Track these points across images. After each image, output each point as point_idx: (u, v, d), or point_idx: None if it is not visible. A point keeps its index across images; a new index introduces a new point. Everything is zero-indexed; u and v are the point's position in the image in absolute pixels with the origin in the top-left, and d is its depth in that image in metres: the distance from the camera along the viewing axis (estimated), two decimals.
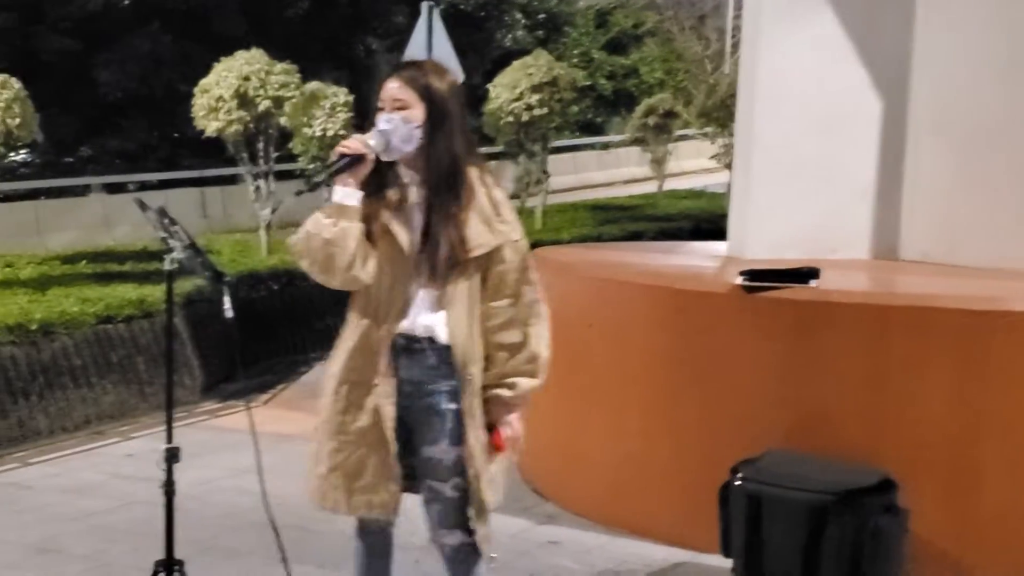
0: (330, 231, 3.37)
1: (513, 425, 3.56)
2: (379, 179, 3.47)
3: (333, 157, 3.42)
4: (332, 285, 3.49)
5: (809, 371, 4.97)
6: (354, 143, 3.38)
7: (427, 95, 3.43)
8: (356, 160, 3.38)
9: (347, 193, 3.39)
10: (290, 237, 3.55)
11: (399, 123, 3.40)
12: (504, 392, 3.51)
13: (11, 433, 7.37)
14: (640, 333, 5.51)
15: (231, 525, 5.69)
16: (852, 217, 6.40)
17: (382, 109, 3.45)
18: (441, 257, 3.41)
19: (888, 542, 4.41)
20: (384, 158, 3.42)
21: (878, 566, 4.38)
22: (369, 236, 3.45)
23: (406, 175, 3.50)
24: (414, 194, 3.49)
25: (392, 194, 3.48)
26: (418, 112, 3.42)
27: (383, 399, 3.48)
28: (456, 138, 3.46)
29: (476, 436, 3.49)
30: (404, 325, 3.47)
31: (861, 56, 6.31)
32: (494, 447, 3.54)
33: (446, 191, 3.43)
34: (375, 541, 3.74)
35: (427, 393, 3.50)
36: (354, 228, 3.39)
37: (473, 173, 3.49)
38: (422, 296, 3.47)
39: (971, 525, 4.75)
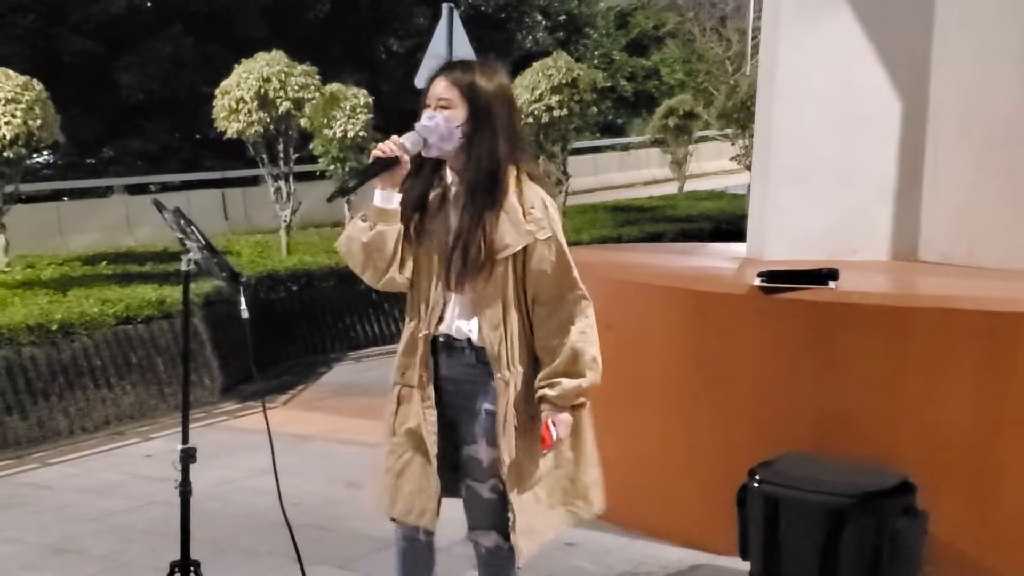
0: (367, 235, 3.38)
1: (558, 425, 3.49)
2: (423, 179, 3.47)
3: (370, 160, 3.41)
4: (375, 286, 3.51)
5: (828, 373, 4.94)
6: (389, 146, 3.36)
7: (471, 95, 3.41)
8: (391, 163, 3.36)
9: (385, 196, 3.38)
10: (337, 241, 3.56)
11: (440, 121, 3.39)
12: (548, 392, 3.46)
13: (31, 433, 7.40)
14: (658, 335, 5.49)
15: (250, 525, 5.70)
16: (872, 218, 6.36)
17: (428, 106, 3.44)
18: (470, 260, 3.39)
19: (907, 545, 4.37)
20: (424, 155, 3.41)
21: (897, 569, 4.34)
22: (409, 237, 3.45)
23: (450, 175, 3.50)
24: (455, 195, 3.48)
25: (433, 195, 3.47)
26: (460, 112, 3.40)
27: (424, 402, 3.50)
28: (499, 140, 3.42)
29: (508, 440, 3.45)
30: (443, 327, 3.49)
31: (880, 55, 6.27)
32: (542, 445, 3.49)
33: (483, 193, 3.40)
34: (415, 549, 3.71)
35: (466, 392, 3.51)
36: (392, 231, 3.39)
37: (510, 173, 3.45)
38: (456, 299, 3.47)
39: (991, 527, 4.72)
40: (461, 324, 3.48)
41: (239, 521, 5.77)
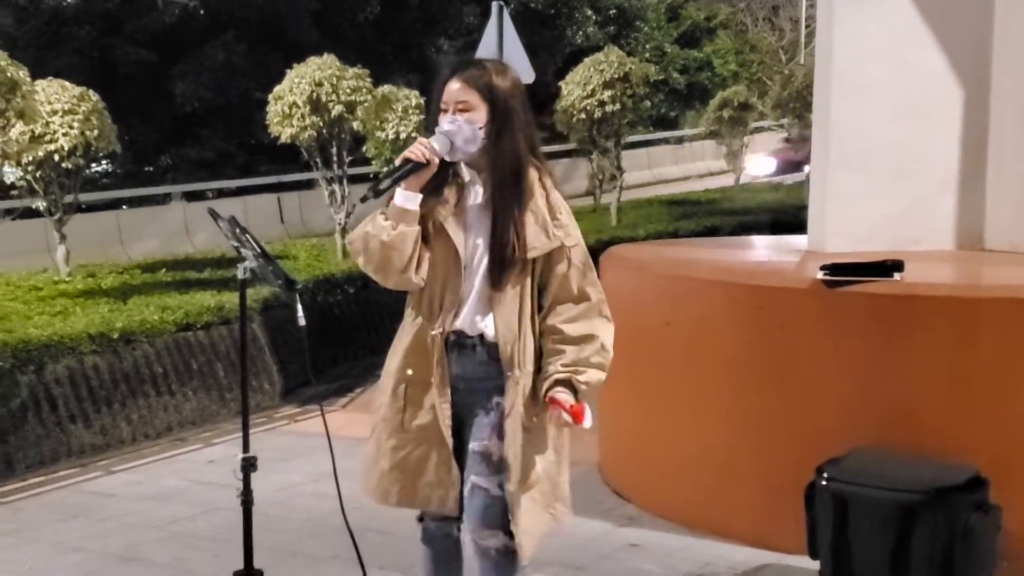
0: (389, 234, 3.36)
1: (574, 408, 3.37)
2: (438, 178, 3.44)
3: (397, 163, 3.40)
4: (386, 285, 3.49)
5: (895, 367, 4.84)
6: (419, 149, 3.35)
7: (490, 95, 3.41)
8: (421, 166, 3.35)
9: (408, 197, 3.37)
10: (348, 235, 3.52)
11: (463, 124, 3.38)
12: (577, 378, 3.40)
13: (95, 441, 7.46)
14: (719, 331, 5.41)
15: (312, 530, 5.69)
16: (935, 207, 6.24)
17: (445, 111, 3.43)
18: (502, 258, 3.39)
19: (980, 540, 4.28)
20: (448, 159, 3.40)
21: (970, 565, 4.25)
22: (424, 235, 3.43)
23: (467, 174, 3.48)
24: (474, 194, 3.48)
25: (449, 193, 3.46)
26: (481, 113, 3.40)
27: (438, 398, 3.48)
28: (519, 138, 3.44)
29: (515, 438, 3.43)
30: (456, 324, 3.47)
31: (940, 41, 6.15)
32: (573, 421, 3.35)
33: (509, 192, 3.41)
34: (441, 547, 3.73)
35: (477, 389, 3.49)
36: (412, 232, 3.38)
37: (533, 175, 3.47)
38: (475, 296, 3.46)
39: None
40: (476, 320, 3.46)
41: (301, 527, 5.77)
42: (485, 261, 3.43)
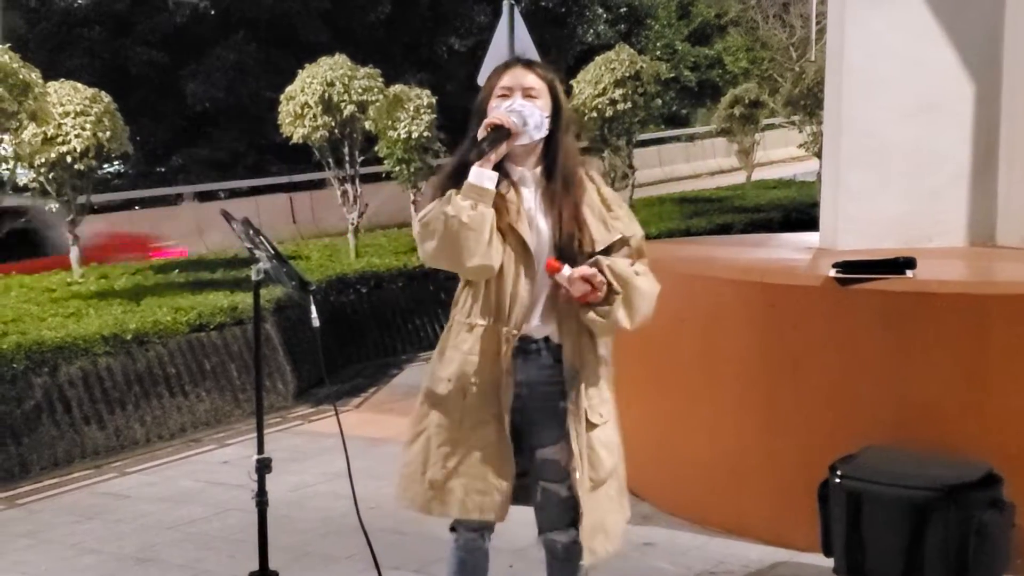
0: (468, 214, 3.24)
1: (574, 270, 3.32)
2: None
3: (482, 132, 3.31)
4: (458, 270, 3.38)
5: (908, 364, 4.84)
6: (505, 116, 3.29)
7: (554, 91, 3.45)
8: (507, 135, 3.29)
9: (484, 175, 3.27)
10: (420, 214, 3.39)
11: (533, 109, 3.36)
12: (601, 259, 3.35)
13: (109, 443, 7.48)
14: (732, 329, 5.41)
15: (327, 531, 5.71)
16: (947, 204, 6.23)
17: (506, 96, 3.40)
18: (570, 252, 3.36)
19: (994, 537, 4.27)
20: (514, 142, 3.36)
21: (984, 562, 4.24)
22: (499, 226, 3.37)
23: (515, 172, 3.44)
24: (528, 192, 3.43)
25: (507, 192, 3.39)
26: (546, 103, 3.42)
27: (502, 406, 3.40)
28: (572, 136, 3.49)
29: (581, 431, 3.40)
30: (525, 326, 3.41)
31: (951, 37, 6.14)
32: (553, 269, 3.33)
33: (570, 188, 3.41)
34: (472, 557, 3.67)
35: (542, 394, 3.45)
36: (489, 213, 3.28)
37: (580, 171, 3.47)
38: (544, 295, 3.42)
39: None
40: (544, 321, 3.42)
41: (315, 527, 5.78)
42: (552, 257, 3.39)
